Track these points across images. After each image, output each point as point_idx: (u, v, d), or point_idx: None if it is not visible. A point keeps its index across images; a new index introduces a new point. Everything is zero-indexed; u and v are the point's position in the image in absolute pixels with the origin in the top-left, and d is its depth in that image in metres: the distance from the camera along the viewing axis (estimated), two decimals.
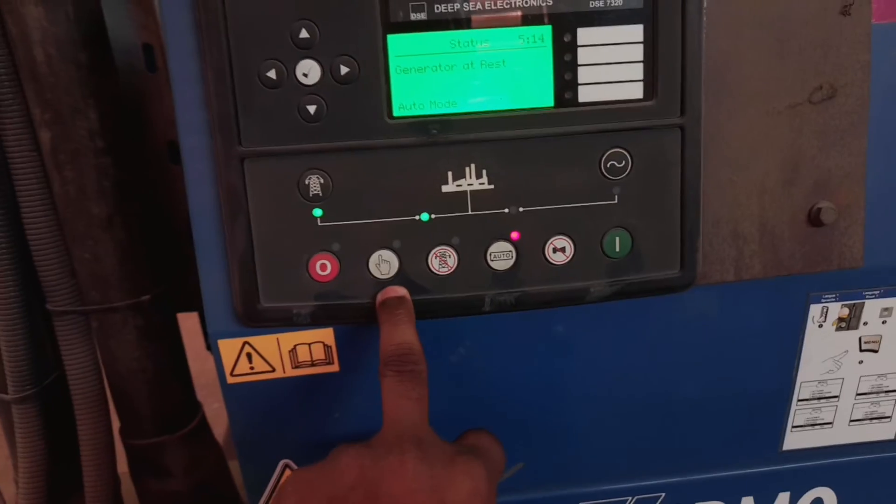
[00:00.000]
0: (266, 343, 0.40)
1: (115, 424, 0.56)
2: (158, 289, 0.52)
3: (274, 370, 0.40)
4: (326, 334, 0.40)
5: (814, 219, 0.40)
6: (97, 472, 0.55)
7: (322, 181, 0.37)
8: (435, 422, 0.33)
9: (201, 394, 0.59)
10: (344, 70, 0.35)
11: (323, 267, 0.38)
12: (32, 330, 0.52)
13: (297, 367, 0.41)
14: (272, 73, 0.35)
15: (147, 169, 0.52)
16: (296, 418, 0.42)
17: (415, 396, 0.33)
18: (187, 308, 0.57)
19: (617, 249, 0.39)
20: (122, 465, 0.57)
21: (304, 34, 0.35)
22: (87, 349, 0.53)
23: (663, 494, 0.48)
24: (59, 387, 0.54)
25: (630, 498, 0.48)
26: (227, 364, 0.40)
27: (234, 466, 0.62)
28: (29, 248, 0.50)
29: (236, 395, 0.41)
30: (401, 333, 0.35)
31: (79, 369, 0.53)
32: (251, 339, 0.39)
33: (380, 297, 0.38)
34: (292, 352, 0.40)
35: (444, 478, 0.30)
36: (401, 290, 0.38)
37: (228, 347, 0.39)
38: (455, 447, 0.32)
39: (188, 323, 0.59)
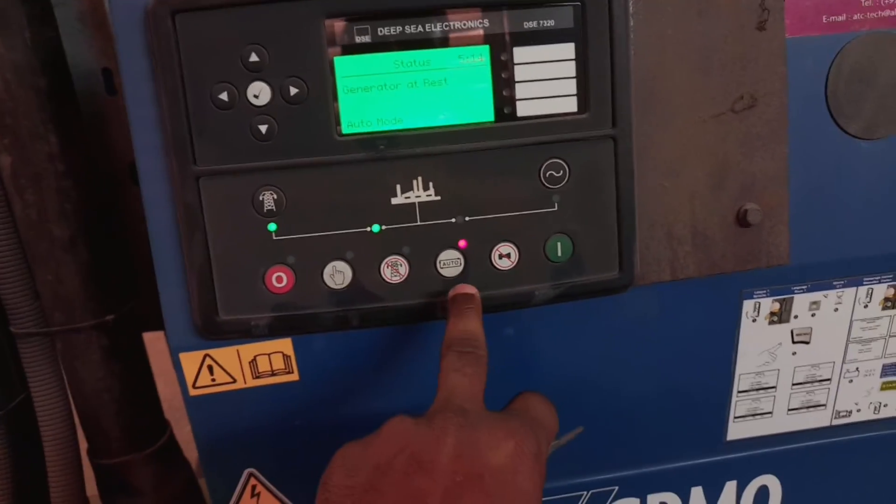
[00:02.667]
0: (226, 355, 0.41)
1: (83, 445, 0.56)
2: (123, 308, 0.52)
3: (235, 381, 0.42)
4: (285, 344, 0.41)
5: (742, 220, 0.43)
6: (66, 494, 0.55)
7: (275, 197, 0.38)
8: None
9: (174, 416, 0.60)
10: (293, 91, 0.37)
11: (279, 279, 0.39)
12: None
13: (257, 377, 0.42)
14: (224, 96, 0.37)
15: (108, 190, 0.53)
16: (259, 428, 0.43)
17: (469, 372, 0.32)
18: (153, 327, 0.57)
19: (559, 254, 0.41)
20: (92, 488, 0.57)
21: (254, 57, 0.37)
22: (53, 370, 0.53)
23: (617, 488, 0.50)
24: (25, 409, 0.54)
25: (585, 493, 0.50)
26: (189, 377, 0.41)
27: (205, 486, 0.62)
28: None
29: (199, 407, 0.42)
30: (466, 322, 0.35)
31: (45, 391, 0.53)
32: (212, 352, 0.41)
33: (451, 293, 0.39)
34: (252, 363, 0.42)
35: (487, 440, 0.29)
36: (470, 288, 0.39)
37: (190, 360, 0.40)
38: (500, 413, 0.32)
39: (160, 345, 0.59)
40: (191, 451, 0.63)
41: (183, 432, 0.61)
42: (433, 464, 0.28)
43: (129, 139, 0.52)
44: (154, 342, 0.58)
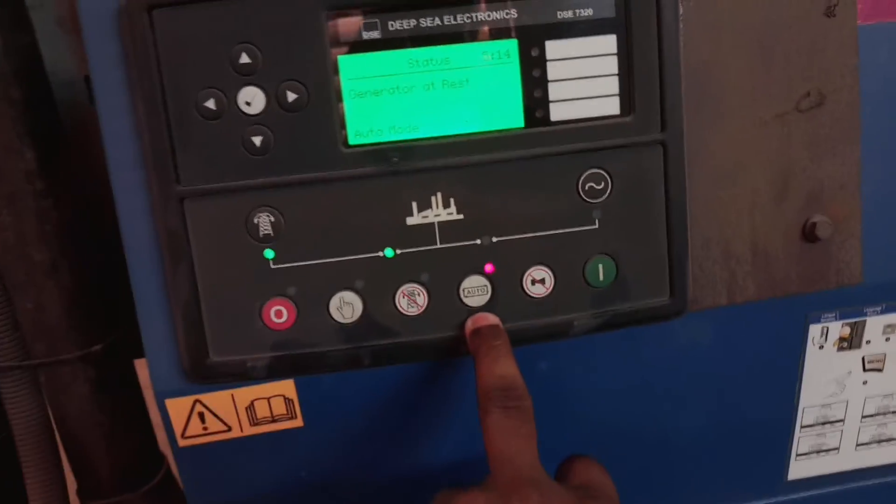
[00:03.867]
0: (220, 400, 0.36)
1: (72, 485, 0.52)
2: (111, 336, 0.49)
3: (230, 429, 0.37)
4: (287, 387, 0.37)
5: (808, 234, 0.38)
6: None
7: (273, 219, 0.34)
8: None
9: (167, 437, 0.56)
10: (291, 96, 0.32)
11: (278, 314, 0.34)
12: None
13: (256, 424, 0.37)
14: (211, 103, 0.32)
15: (93, 208, 0.49)
16: (258, 481, 0.38)
17: (525, 433, 0.30)
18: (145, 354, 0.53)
19: (601, 278, 0.36)
20: None
21: (244, 59, 0.32)
22: (36, 406, 0.50)
23: None
24: (6, 448, 0.51)
25: None
26: (178, 425, 0.36)
27: None
28: None
29: (189, 458, 0.37)
30: (502, 366, 0.32)
31: (27, 428, 0.50)
32: (202, 397, 0.36)
33: (470, 324, 0.35)
34: (250, 408, 0.37)
35: None
36: (493, 318, 0.36)
37: (178, 407, 0.36)
38: (573, 492, 0.30)
39: None
40: None
41: None
42: None
43: None
44: (147, 370, 0.54)
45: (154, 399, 0.54)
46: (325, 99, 0.33)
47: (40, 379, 0.49)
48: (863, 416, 0.44)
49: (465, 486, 0.29)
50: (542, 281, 0.36)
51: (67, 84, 0.47)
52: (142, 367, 0.53)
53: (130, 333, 0.51)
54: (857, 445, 0.45)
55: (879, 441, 0.45)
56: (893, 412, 0.44)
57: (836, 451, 0.44)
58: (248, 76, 0.32)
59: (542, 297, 0.36)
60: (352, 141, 0.33)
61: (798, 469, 0.45)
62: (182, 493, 0.57)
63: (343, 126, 0.33)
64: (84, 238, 0.47)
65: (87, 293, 0.47)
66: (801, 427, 0.43)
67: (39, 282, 0.46)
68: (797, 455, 0.44)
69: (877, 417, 0.44)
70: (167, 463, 0.55)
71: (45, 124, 0.44)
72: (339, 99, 0.33)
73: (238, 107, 0.32)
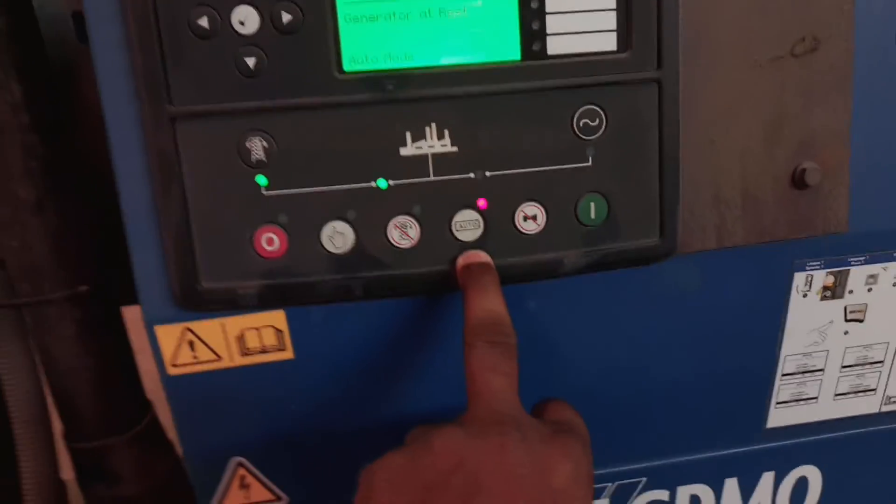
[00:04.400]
0: (210, 329, 0.36)
1: (58, 428, 0.52)
2: (98, 279, 0.48)
3: (220, 359, 0.37)
4: (277, 317, 0.36)
5: (798, 181, 0.38)
6: (38, 478, 0.51)
7: (265, 144, 0.33)
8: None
9: (158, 396, 0.55)
10: (286, 17, 0.32)
11: (270, 241, 0.34)
12: None
13: (246, 354, 0.37)
14: (204, 21, 0.31)
15: (81, 145, 0.48)
16: (247, 411, 0.38)
17: (506, 371, 0.30)
18: (133, 300, 0.53)
19: (592, 216, 0.36)
20: (69, 471, 0.53)
21: None
22: (21, 347, 0.50)
23: (644, 479, 0.46)
24: None
25: (610, 484, 0.46)
26: (167, 353, 0.36)
27: None
28: None
29: (179, 388, 0.37)
30: (490, 301, 0.32)
31: (13, 369, 0.50)
32: (193, 325, 0.35)
33: (461, 260, 0.35)
34: (240, 338, 0.37)
35: (546, 460, 0.28)
36: (484, 256, 0.36)
37: (167, 334, 0.35)
38: (549, 426, 0.30)
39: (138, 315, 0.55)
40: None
41: (167, 411, 0.57)
42: (494, 486, 0.26)
43: None
44: (134, 315, 0.53)
45: (139, 347, 0.53)
46: (320, 22, 0.32)
47: (26, 320, 0.49)
48: (842, 367, 0.45)
49: (443, 422, 0.29)
50: (535, 217, 0.36)
51: (55, 19, 0.45)
52: (128, 313, 0.53)
53: (117, 277, 0.50)
54: (836, 395, 0.45)
55: (857, 392, 0.45)
56: (872, 363, 0.45)
57: (815, 400, 0.45)
58: None
59: (534, 234, 0.36)
60: (346, 67, 0.33)
61: (777, 417, 0.45)
62: (168, 440, 0.57)
63: (338, 51, 0.33)
64: (71, 177, 0.46)
65: (74, 233, 0.46)
66: (782, 375, 0.44)
67: (24, 220, 0.45)
68: (777, 403, 0.45)
69: (855, 368, 0.45)
70: (153, 410, 0.55)
71: (31, 58, 0.43)
72: (335, 23, 0.32)
73: (232, 26, 0.31)
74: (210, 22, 0.31)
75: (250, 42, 0.32)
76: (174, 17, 0.31)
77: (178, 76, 0.32)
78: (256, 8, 0.31)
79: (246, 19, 0.31)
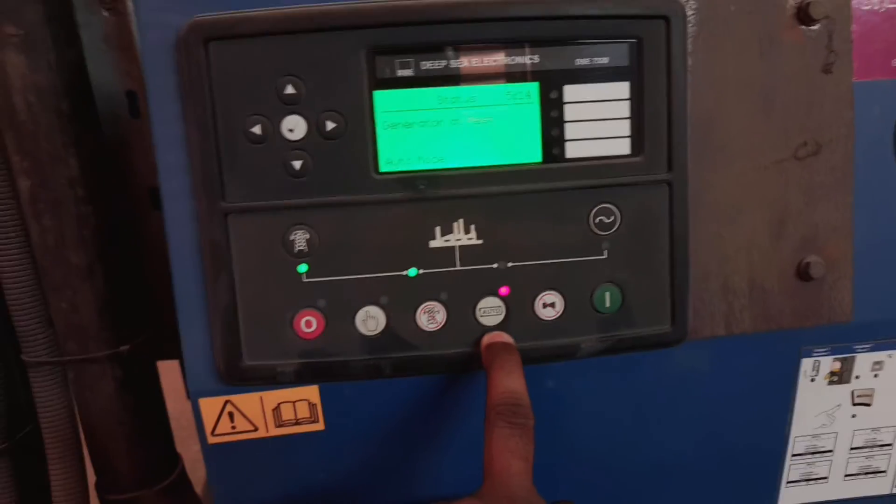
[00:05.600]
0: (249, 401, 0.38)
1: (91, 479, 0.54)
2: (138, 338, 0.51)
3: (257, 429, 0.39)
4: (311, 392, 0.39)
5: (802, 273, 0.40)
6: None
7: (307, 237, 0.36)
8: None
9: (181, 435, 0.58)
10: (330, 126, 0.35)
11: (308, 324, 0.37)
12: (8, 381, 0.51)
13: (280, 426, 0.39)
14: (257, 129, 0.35)
15: (128, 215, 0.51)
16: (280, 480, 0.40)
17: (524, 455, 0.31)
18: (167, 356, 0.55)
19: (607, 305, 0.38)
20: None
21: (289, 90, 0.35)
22: (63, 401, 0.52)
23: None
24: (33, 439, 0.53)
25: None
26: (209, 424, 0.38)
27: None
28: (5, 298, 0.49)
29: (218, 456, 0.39)
30: (513, 381, 0.34)
31: (54, 421, 0.52)
32: (233, 398, 0.38)
33: (486, 339, 0.37)
34: (276, 410, 0.39)
35: None
36: (507, 338, 0.38)
37: (210, 407, 0.38)
38: None
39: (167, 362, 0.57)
40: (199, 471, 0.60)
41: (191, 452, 0.58)
42: None
43: (150, 163, 0.50)
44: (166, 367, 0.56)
45: (173, 393, 0.56)
46: (360, 129, 0.35)
47: (69, 375, 0.51)
48: (851, 448, 0.46)
49: (459, 497, 0.30)
50: (553, 305, 0.38)
51: (109, 98, 0.49)
52: (162, 370, 0.55)
53: (155, 336, 0.53)
54: (846, 476, 0.46)
55: (866, 473, 0.46)
56: (881, 445, 0.46)
57: (826, 480, 0.46)
58: (291, 105, 0.35)
59: (553, 320, 0.38)
60: (383, 168, 0.36)
61: (788, 496, 0.46)
62: (194, 492, 0.59)
63: (375, 154, 0.36)
64: (118, 244, 0.49)
65: (118, 296, 0.49)
66: (792, 456, 0.45)
67: (75, 284, 0.48)
68: (787, 482, 0.46)
69: (864, 450, 0.46)
70: (182, 463, 0.57)
71: (88, 135, 0.46)
72: (373, 129, 0.36)
73: (281, 133, 0.35)
74: (262, 129, 0.35)
75: (298, 147, 0.35)
76: (231, 125, 0.35)
77: (231, 176, 0.35)
78: (304, 117, 0.35)
79: (295, 127, 0.35)
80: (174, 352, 0.54)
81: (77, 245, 0.48)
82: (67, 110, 0.45)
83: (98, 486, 0.54)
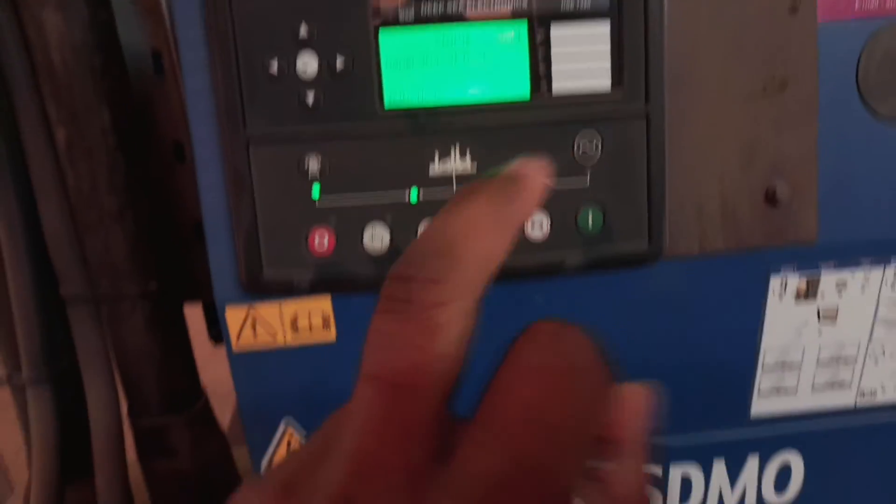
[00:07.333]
0: (268, 310, 0.43)
1: (123, 407, 0.59)
2: (165, 278, 0.55)
3: (275, 338, 0.44)
4: (325, 303, 0.43)
5: (770, 198, 0.44)
6: (107, 456, 0.57)
7: (320, 162, 0.40)
8: None
9: (214, 403, 0.62)
10: (339, 65, 0.39)
11: (321, 240, 0.41)
12: (47, 315, 0.55)
13: (296, 332, 0.44)
14: (274, 67, 0.39)
15: (154, 166, 0.55)
16: (296, 387, 0.45)
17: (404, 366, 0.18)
18: (192, 297, 0.60)
19: (590, 226, 0.42)
20: (131, 455, 0.59)
21: (303, 32, 0.39)
22: (98, 334, 0.56)
23: None
24: (69, 377, 0.57)
25: None
26: (234, 332, 0.43)
27: (237, 455, 0.64)
28: (44, 238, 0.53)
29: (241, 364, 0.44)
30: (445, 225, 0.20)
31: (88, 353, 0.56)
32: (255, 306, 0.43)
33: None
34: (293, 320, 0.44)
35: None
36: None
37: (235, 315, 0.43)
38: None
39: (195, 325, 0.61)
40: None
41: (221, 421, 0.63)
42: None
43: (174, 119, 0.54)
44: (192, 312, 0.60)
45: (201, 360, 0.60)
46: (366, 68, 0.40)
47: (103, 312, 0.56)
48: (818, 362, 0.49)
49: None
50: (541, 225, 0.42)
51: (136, 57, 0.53)
52: (189, 312, 0.60)
53: (180, 279, 0.57)
54: (814, 388, 0.50)
55: (832, 385, 0.50)
56: (845, 360, 0.50)
57: (795, 391, 0.50)
58: (304, 46, 0.39)
59: (541, 240, 0.43)
60: (387, 106, 0.40)
61: (760, 406, 0.50)
62: (218, 423, 0.63)
63: (381, 92, 0.40)
64: (145, 191, 0.53)
65: (147, 239, 0.53)
66: (763, 367, 0.49)
67: (107, 225, 0.52)
68: (759, 393, 0.50)
69: (830, 364, 0.50)
70: (206, 396, 0.62)
71: (118, 89, 0.50)
72: (378, 68, 0.40)
73: (296, 71, 0.39)
74: (279, 67, 0.39)
75: (310, 83, 0.39)
76: (251, 64, 0.39)
77: (252, 109, 0.39)
78: (316, 56, 0.39)
79: (307, 65, 0.39)
80: (198, 294, 0.59)
81: (109, 190, 0.52)
82: (100, 65, 0.48)
83: (130, 412, 0.58)
